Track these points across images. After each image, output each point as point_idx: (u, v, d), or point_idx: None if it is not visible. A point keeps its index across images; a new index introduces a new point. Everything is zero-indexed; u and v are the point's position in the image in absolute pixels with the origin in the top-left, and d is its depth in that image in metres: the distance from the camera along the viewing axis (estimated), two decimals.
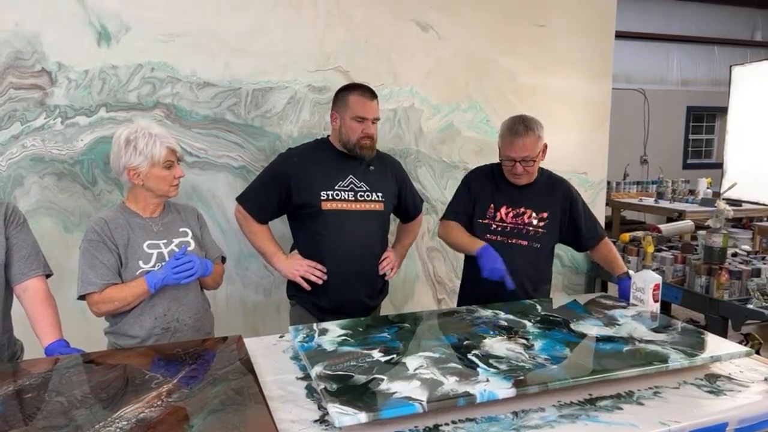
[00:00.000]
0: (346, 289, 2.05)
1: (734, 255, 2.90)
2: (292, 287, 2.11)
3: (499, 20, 3.02)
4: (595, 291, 3.41)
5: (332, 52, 2.71)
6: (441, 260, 3.07)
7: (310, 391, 1.36)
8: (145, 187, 1.71)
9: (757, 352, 3.01)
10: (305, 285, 2.02)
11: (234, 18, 2.52)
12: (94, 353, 1.53)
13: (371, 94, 2.04)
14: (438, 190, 3.00)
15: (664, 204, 5.97)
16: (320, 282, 2.02)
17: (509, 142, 2.06)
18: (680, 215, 5.59)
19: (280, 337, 1.73)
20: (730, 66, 4.78)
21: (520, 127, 2.05)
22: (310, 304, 2.09)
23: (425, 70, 2.90)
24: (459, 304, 2.26)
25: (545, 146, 2.11)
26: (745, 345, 3.03)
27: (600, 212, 3.44)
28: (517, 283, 2.14)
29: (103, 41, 2.35)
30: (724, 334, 2.57)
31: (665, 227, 3.29)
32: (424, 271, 3.05)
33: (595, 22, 3.26)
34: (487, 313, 1.81)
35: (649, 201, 6.14)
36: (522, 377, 1.32)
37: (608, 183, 6.78)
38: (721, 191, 3.30)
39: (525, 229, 2.14)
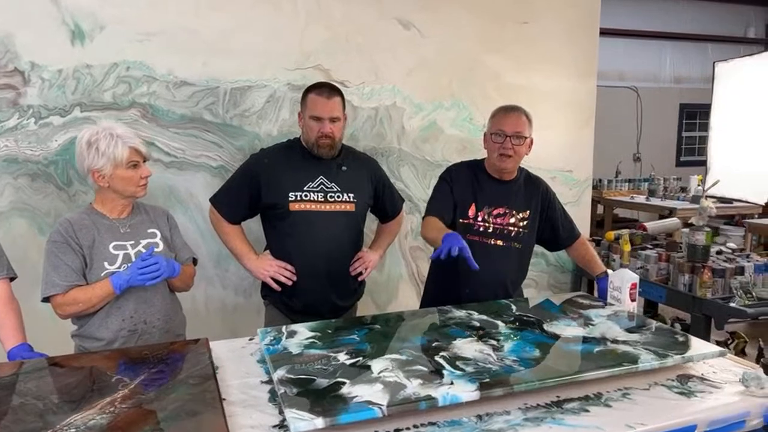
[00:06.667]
0: (315, 290, 2.03)
1: (719, 253, 2.88)
2: (266, 288, 2.09)
3: (481, 18, 2.99)
4: (581, 290, 3.39)
5: (312, 50, 2.68)
6: (424, 259, 3.04)
7: (274, 396, 1.33)
8: (112, 188, 1.68)
9: (743, 351, 3.00)
10: (275, 285, 2.01)
11: (212, 16, 2.49)
12: (57, 357, 1.50)
13: (329, 93, 1.99)
14: (421, 189, 2.97)
15: (655, 201, 5.96)
16: (289, 283, 2.00)
17: (503, 115, 2.06)
18: (671, 213, 5.57)
19: (250, 339, 1.70)
20: (714, 62, 4.76)
21: (512, 105, 2.09)
22: (281, 304, 2.08)
23: (407, 69, 2.88)
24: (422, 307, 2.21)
25: (532, 141, 2.09)
26: (731, 343, 3.03)
27: (586, 210, 3.42)
28: (499, 283, 2.12)
29: (77, 40, 2.32)
30: (707, 332, 2.56)
31: (651, 225, 3.26)
32: (407, 270, 3.03)
33: (579, 20, 3.23)
34: (460, 313, 1.78)
35: (641, 198, 6.12)
36: (487, 380, 1.29)
37: (600, 181, 6.77)
38: (704, 189, 3.28)
39: (507, 229, 2.11)
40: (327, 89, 2.00)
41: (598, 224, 6.88)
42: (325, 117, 1.96)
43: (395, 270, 3.00)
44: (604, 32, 8.14)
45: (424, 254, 3.04)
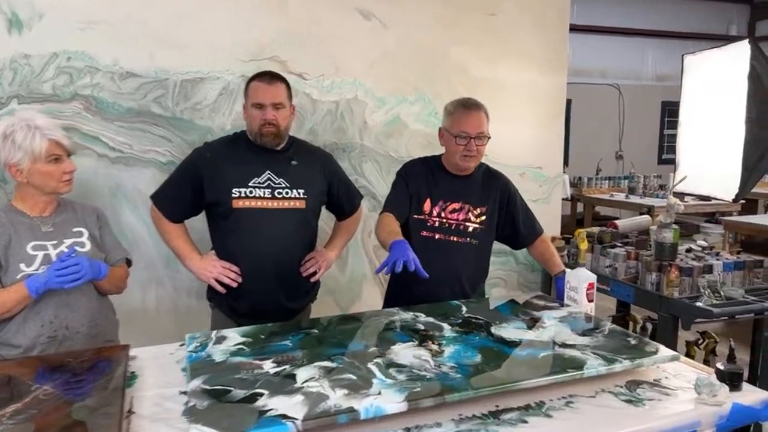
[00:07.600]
0: (262, 292, 1.92)
1: (689, 251, 2.80)
2: (211, 290, 1.98)
3: (446, 8, 2.89)
4: (551, 289, 3.31)
5: (268, 41, 2.57)
6: None
7: None
8: (30, 184, 1.57)
9: (713, 351, 2.94)
10: (219, 288, 1.90)
11: (160, 4, 2.38)
12: None
13: (270, 79, 1.91)
14: (384, 185, 2.86)
15: (634, 199, 5.92)
16: (234, 285, 1.89)
17: (464, 115, 1.95)
18: (649, 210, 5.53)
19: (180, 345, 1.59)
20: (682, 55, 4.70)
21: (472, 102, 1.98)
22: (227, 307, 1.97)
23: (369, 61, 2.78)
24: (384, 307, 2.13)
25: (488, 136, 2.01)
26: (701, 343, 2.96)
27: (557, 208, 3.35)
28: (455, 281, 2.04)
29: (13, 29, 2.20)
30: (675, 332, 2.49)
31: (621, 223, 3.19)
32: (371, 270, 2.93)
33: (548, 13, 3.15)
34: (406, 315, 1.69)
35: (620, 196, 6.08)
36: (418, 389, 1.20)
37: (579, 178, 6.73)
38: (672, 185, 3.22)
39: (463, 225, 2.03)
40: (268, 76, 1.92)
41: (578, 222, 6.84)
42: (266, 103, 1.87)
43: (358, 269, 2.90)
44: (586, 29, 8.11)
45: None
